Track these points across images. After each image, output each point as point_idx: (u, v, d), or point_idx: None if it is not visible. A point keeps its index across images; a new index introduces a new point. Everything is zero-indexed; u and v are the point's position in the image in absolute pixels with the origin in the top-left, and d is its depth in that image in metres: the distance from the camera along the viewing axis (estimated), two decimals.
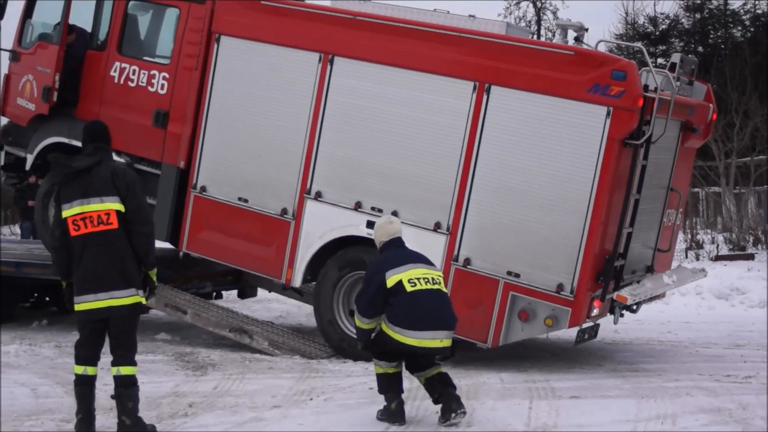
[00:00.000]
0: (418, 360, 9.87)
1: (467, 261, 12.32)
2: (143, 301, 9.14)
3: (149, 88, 14.19)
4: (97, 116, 14.29)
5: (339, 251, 13.12)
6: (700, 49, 28.81)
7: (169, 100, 14.05)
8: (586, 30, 12.91)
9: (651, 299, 13.37)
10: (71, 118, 14.59)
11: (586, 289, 11.83)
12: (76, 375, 9.11)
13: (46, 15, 15.21)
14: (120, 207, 8.93)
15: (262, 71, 13.43)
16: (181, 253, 14.18)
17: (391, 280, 9.58)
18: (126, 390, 9.00)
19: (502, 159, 12.13)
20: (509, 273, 12.10)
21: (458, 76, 12.32)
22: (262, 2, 13.47)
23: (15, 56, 15.27)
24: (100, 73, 14.56)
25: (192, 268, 15.29)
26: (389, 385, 9.83)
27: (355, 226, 12.92)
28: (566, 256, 11.81)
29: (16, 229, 29.77)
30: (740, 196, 24.41)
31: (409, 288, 9.55)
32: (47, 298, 16.59)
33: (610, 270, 12.00)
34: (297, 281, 13.34)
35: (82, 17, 14.81)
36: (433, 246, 12.37)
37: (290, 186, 13.26)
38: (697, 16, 30.92)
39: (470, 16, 12.68)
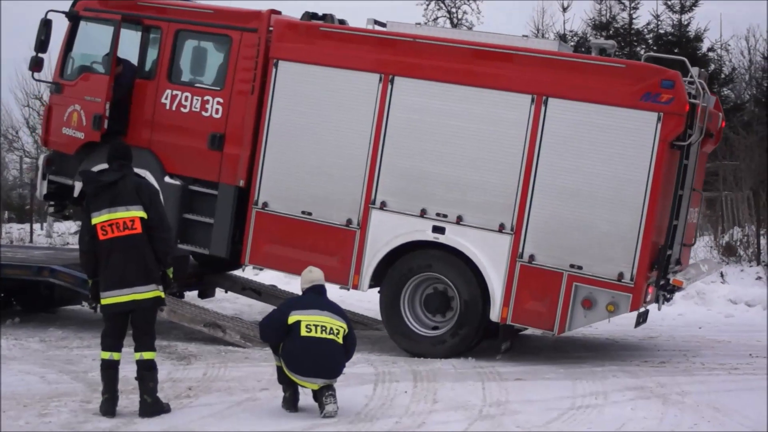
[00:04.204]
0: None
1: (531, 257, 13.54)
2: (162, 295, 10.57)
3: (203, 113, 15.02)
4: (150, 142, 15.23)
5: (405, 255, 14.20)
6: None
7: (224, 123, 14.91)
8: (616, 48, 14.40)
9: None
10: None
11: (644, 276, 13.20)
12: (103, 360, 10.43)
13: (88, 47, 15.93)
14: (143, 214, 10.40)
15: (322, 93, 14.43)
16: (243, 267, 15.01)
17: (291, 318, 10.68)
18: (148, 372, 10.42)
19: (561, 163, 13.40)
20: (572, 266, 13.37)
21: (517, 90, 13.58)
22: (321, 29, 14.53)
23: (58, 88, 15.90)
24: (150, 101, 15.33)
25: None
26: (285, 378, 10.89)
27: (421, 231, 14.02)
28: (625, 248, 13.13)
29: None
30: None
31: (303, 332, 10.61)
32: (12, 299, 17.11)
33: (663, 258, 13.43)
34: (364, 286, 14.35)
35: (125, 47, 15.52)
36: (499, 245, 13.65)
37: (354, 198, 14.29)
38: (604, 34, 32.62)
39: (523, 36, 14.01)
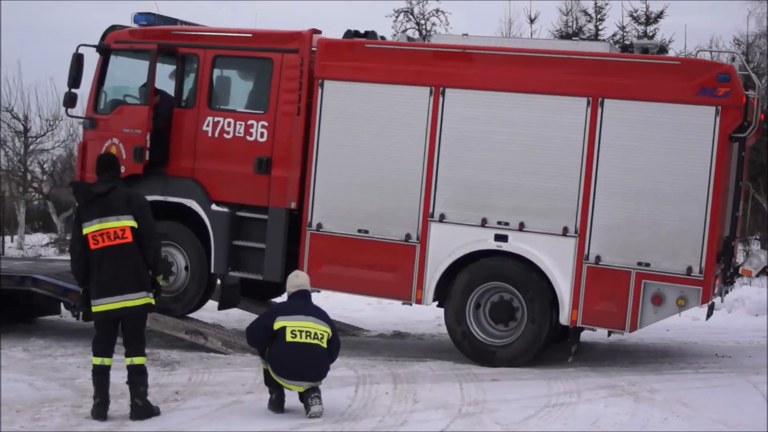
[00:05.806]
0: None
1: (598, 258, 13.59)
2: (152, 301, 10.82)
3: (247, 137, 14.88)
4: (193, 171, 15.10)
5: (469, 265, 14.17)
6: None
7: (270, 146, 14.78)
8: (660, 47, 14.56)
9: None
10: (163, 176, 15.15)
11: (713, 268, 13.31)
12: (95, 365, 10.68)
13: (119, 80, 15.74)
14: (134, 224, 10.65)
15: (372, 109, 14.37)
16: None
17: (277, 324, 10.98)
18: (138, 377, 10.68)
19: (621, 163, 13.49)
20: (639, 263, 13.44)
21: (571, 93, 13.65)
22: (366, 46, 14.50)
23: (92, 123, 15.64)
24: (191, 129, 15.16)
25: None
26: (272, 381, 11.21)
27: (483, 240, 14.02)
28: (693, 242, 13.24)
29: None
30: None
31: (288, 338, 10.92)
32: None
33: (729, 250, 13.57)
34: (428, 300, 14.29)
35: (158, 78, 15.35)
36: (564, 248, 13.69)
37: (412, 212, 14.25)
38: None
39: (573, 39, 14.09)
